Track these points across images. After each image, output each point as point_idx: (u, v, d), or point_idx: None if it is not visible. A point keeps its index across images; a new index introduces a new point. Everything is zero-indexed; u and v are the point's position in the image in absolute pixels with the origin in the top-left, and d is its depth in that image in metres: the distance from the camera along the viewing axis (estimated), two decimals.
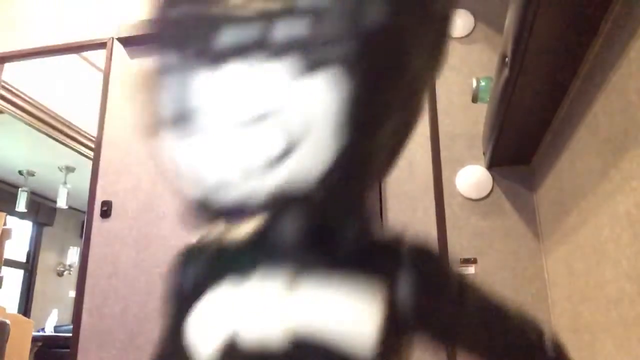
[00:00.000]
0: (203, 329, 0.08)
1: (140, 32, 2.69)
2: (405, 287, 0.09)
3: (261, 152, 0.07)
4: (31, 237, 5.81)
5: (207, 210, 0.08)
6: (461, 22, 2.11)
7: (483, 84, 1.74)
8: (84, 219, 2.65)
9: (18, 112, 3.56)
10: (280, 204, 0.07)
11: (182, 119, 0.08)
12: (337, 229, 0.08)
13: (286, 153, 0.07)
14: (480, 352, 0.10)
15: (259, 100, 0.07)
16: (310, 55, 0.09)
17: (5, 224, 4.32)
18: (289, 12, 0.09)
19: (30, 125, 3.73)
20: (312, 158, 0.07)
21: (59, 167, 4.98)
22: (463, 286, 0.10)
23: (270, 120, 0.07)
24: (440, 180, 1.98)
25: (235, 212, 0.08)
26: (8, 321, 2.78)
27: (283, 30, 0.09)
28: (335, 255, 0.08)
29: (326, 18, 0.09)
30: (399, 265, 0.09)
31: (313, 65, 0.08)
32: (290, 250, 0.08)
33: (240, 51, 0.09)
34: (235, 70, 0.08)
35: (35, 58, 2.98)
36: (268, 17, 0.09)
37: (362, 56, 0.07)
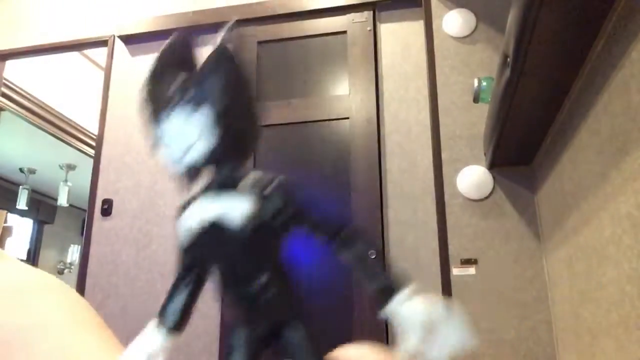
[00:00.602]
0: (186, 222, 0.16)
1: (141, 30, 2.69)
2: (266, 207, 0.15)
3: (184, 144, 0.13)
4: (32, 235, 5.82)
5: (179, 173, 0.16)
6: (463, 22, 2.11)
7: (484, 84, 1.74)
8: (84, 217, 2.65)
9: (19, 109, 3.56)
10: (200, 164, 0.15)
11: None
12: (230, 175, 0.15)
13: (194, 144, 0.13)
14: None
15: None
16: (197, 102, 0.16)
17: (5, 222, 4.33)
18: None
19: (31, 122, 3.73)
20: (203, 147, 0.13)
21: (59, 165, 4.98)
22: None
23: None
24: (441, 181, 1.98)
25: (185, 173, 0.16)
26: None
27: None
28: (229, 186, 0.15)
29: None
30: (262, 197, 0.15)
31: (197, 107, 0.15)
32: (215, 183, 0.15)
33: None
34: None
35: (36, 56, 2.98)
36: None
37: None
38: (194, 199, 0.16)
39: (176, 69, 0.16)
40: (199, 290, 0.17)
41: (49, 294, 0.36)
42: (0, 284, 0.35)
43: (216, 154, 0.14)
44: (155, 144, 0.16)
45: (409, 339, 0.12)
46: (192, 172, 0.15)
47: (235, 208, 0.14)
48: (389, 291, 0.13)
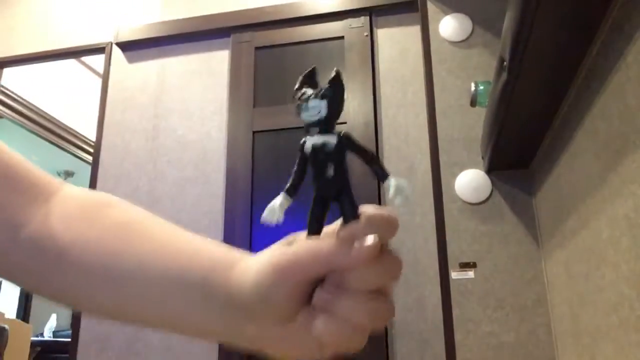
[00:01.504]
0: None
1: (138, 37, 2.70)
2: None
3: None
4: None
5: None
6: (459, 27, 2.12)
7: (481, 88, 1.75)
8: None
9: (17, 116, 3.56)
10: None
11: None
12: (328, 127, 0.31)
13: (319, 113, 0.30)
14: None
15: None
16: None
17: None
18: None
19: (29, 130, 3.73)
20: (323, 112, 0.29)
21: (58, 172, 4.97)
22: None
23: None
24: (439, 185, 1.98)
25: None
26: (7, 326, 2.78)
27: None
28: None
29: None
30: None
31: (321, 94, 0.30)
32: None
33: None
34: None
35: (34, 63, 2.98)
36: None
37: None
38: (312, 134, 0.31)
39: (310, 80, 0.32)
40: (305, 174, 0.32)
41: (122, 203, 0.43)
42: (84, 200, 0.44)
43: (326, 118, 0.30)
44: (298, 112, 0.31)
45: (389, 194, 0.31)
46: (313, 126, 0.31)
47: (329, 140, 0.30)
48: (384, 176, 0.32)
